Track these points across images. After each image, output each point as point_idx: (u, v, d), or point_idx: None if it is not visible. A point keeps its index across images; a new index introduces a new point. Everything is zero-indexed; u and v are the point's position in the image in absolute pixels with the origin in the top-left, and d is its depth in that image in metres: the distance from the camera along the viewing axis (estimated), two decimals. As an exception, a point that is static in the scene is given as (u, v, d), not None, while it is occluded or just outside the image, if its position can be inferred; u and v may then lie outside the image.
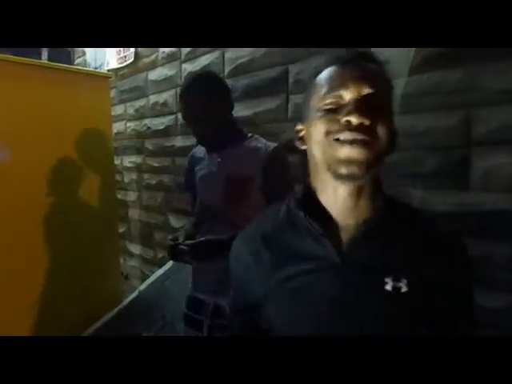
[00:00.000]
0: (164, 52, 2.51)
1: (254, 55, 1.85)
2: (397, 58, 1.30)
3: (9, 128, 1.98)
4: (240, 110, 1.95)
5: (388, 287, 0.61)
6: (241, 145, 1.30)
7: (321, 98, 0.63)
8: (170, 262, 2.41)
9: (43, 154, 2.11)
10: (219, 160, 1.31)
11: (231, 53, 1.99)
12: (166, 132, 2.57)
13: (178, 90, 2.39)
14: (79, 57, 3.68)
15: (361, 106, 0.58)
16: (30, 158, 2.05)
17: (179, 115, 2.43)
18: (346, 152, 0.58)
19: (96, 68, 3.22)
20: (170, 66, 2.47)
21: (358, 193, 0.64)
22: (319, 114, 0.63)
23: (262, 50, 1.80)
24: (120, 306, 2.38)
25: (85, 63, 3.46)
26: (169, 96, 2.51)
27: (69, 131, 2.24)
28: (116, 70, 3.00)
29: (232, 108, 1.34)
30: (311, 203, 0.67)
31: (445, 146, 1.22)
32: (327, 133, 0.60)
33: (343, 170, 0.59)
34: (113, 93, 2.98)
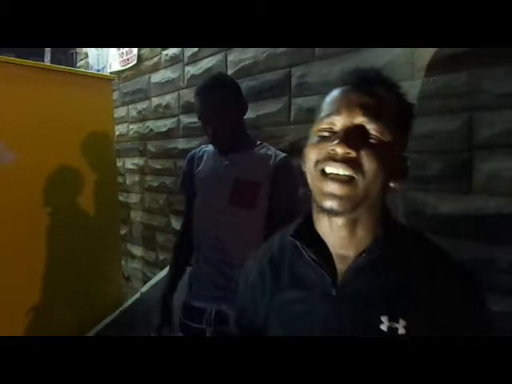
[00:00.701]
0: (167, 55, 2.52)
1: (256, 58, 1.85)
2: (400, 62, 1.31)
3: (11, 130, 1.98)
4: (242, 113, 1.96)
5: (383, 327, 0.56)
6: (250, 150, 1.30)
7: (317, 122, 0.60)
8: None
9: (45, 156, 2.11)
10: (227, 163, 1.30)
11: (234, 55, 1.99)
12: (168, 134, 2.58)
13: (181, 92, 2.41)
14: (82, 59, 3.70)
15: (349, 136, 0.54)
16: (32, 161, 2.05)
17: (182, 117, 2.44)
18: (329, 187, 0.55)
19: (98, 70, 3.24)
20: (173, 69, 2.48)
21: (353, 224, 0.60)
22: (314, 139, 0.60)
23: (265, 52, 1.80)
24: (121, 308, 2.38)
25: (87, 66, 3.47)
26: (171, 98, 2.52)
27: (71, 133, 2.24)
28: (119, 73, 3.01)
29: (245, 112, 1.34)
30: (307, 231, 0.64)
31: (448, 149, 1.22)
32: (316, 162, 0.57)
33: (325, 204, 0.56)
34: (115, 95, 2.99)
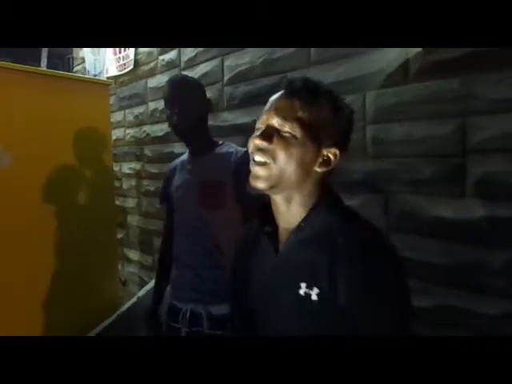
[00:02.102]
0: (163, 60, 2.53)
1: (252, 63, 1.87)
2: (394, 67, 1.32)
3: (8, 134, 1.98)
4: (239, 117, 1.97)
5: (301, 292, 0.69)
6: (212, 151, 1.34)
7: (259, 120, 0.75)
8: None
9: (42, 161, 2.11)
10: (189, 167, 1.36)
11: (230, 60, 2.00)
12: (164, 139, 2.58)
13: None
14: (78, 64, 3.70)
15: (266, 131, 0.70)
16: (28, 165, 2.05)
17: (178, 122, 2.44)
18: (253, 170, 0.72)
19: (95, 75, 3.24)
20: (170, 74, 2.48)
21: (287, 201, 0.74)
22: (254, 134, 0.74)
23: (261, 58, 1.82)
24: (118, 312, 2.38)
25: (84, 70, 3.48)
26: (168, 103, 2.52)
27: (68, 138, 2.24)
28: (115, 78, 3.02)
29: (208, 110, 1.39)
30: (264, 212, 0.80)
31: (441, 153, 1.23)
32: (250, 153, 0.73)
33: (252, 184, 0.72)
34: (112, 100, 2.99)
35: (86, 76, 3.21)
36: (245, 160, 1.25)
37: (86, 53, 3.43)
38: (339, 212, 0.74)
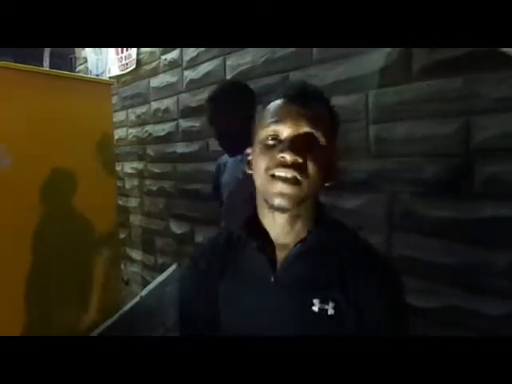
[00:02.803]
0: (166, 59, 2.53)
1: (254, 62, 1.87)
2: (396, 66, 1.32)
3: (10, 135, 1.99)
4: (241, 117, 1.96)
5: (315, 308, 0.64)
6: None
7: (263, 130, 0.67)
8: (171, 268, 2.42)
9: (44, 161, 2.12)
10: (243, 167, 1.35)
11: (232, 60, 2.00)
12: (167, 138, 2.59)
13: (180, 96, 2.42)
14: (81, 64, 3.71)
15: (296, 144, 0.62)
16: (31, 165, 2.05)
17: (180, 121, 2.45)
18: (278, 187, 0.63)
19: (98, 75, 3.25)
20: (172, 73, 2.49)
21: (294, 220, 0.68)
22: (260, 146, 0.67)
23: (263, 57, 1.82)
24: (121, 312, 2.38)
25: (86, 70, 3.48)
26: (170, 102, 2.53)
27: (70, 138, 2.25)
28: (118, 77, 3.02)
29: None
30: (252, 225, 0.72)
31: (444, 153, 1.23)
32: (266, 168, 0.64)
33: (275, 202, 0.63)
34: (114, 99, 2.99)
35: (89, 76, 3.21)
36: None
37: (89, 53, 3.43)
38: (332, 223, 0.73)
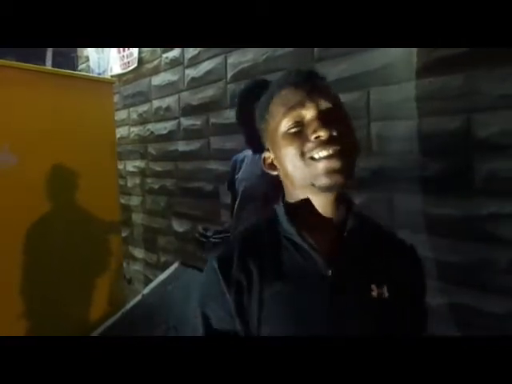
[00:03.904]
0: (167, 57, 2.53)
1: (255, 60, 1.86)
2: (398, 63, 1.31)
3: (13, 133, 1.99)
4: (242, 115, 1.96)
5: (374, 293, 0.64)
6: None
7: (281, 123, 0.65)
8: (173, 267, 2.42)
9: (47, 159, 2.13)
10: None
11: (233, 58, 2.00)
12: (168, 137, 2.59)
13: (181, 94, 2.42)
14: (83, 63, 3.72)
15: (324, 119, 0.61)
16: (33, 163, 2.06)
17: (182, 120, 2.45)
18: (325, 166, 0.60)
19: (99, 74, 3.25)
20: (173, 72, 2.49)
21: (336, 201, 0.66)
22: (284, 138, 0.64)
23: (264, 55, 1.81)
24: (123, 310, 2.39)
25: (88, 69, 3.49)
26: (172, 101, 2.53)
27: (72, 136, 2.25)
28: (119, 76, 3.02)
29: None
30: (300, 219, 0.67)
31: (447, 150, 1.22)
32: (302, 154, 0.62)
33: (326, 182, 0.61)
34: (116, 98, 3.00)
35: (91, 74, 3.21)
36: None
37: (90, 51, 3.44)
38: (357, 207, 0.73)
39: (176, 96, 2.48)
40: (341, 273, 0.64)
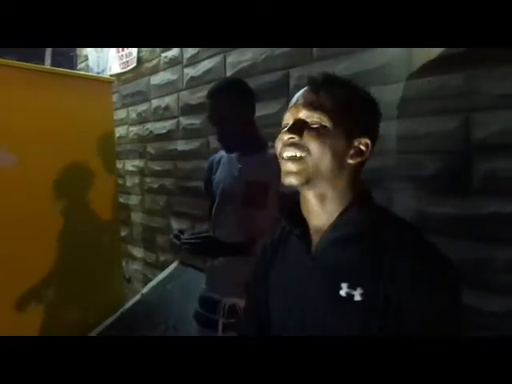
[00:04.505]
0: (166, 57, 2.53)
1: (255, 60, 1.86)
2: (397, 63, 1.31)
3: (12, 133, 1.99)
4: (241, 114, 1.96)
5: (342, 293, 0.66)
6: (262, 153, 1.33)
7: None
8: (172, 266, 2.42)
9: (45, 159, 2.12)
10: (240, 166, 1.35)
11: (232, 57, 2.00)
12: (167, 136, 2.58)
13: (180, 94, 2.42)
14: (82, 62, 3.71)
15: (294, 125, 0.70)
16: (32, 163, 2.06)
17: (181, 119, 2.45)
18: (285, 166, 0.71)
19: (98, 73, 3.24)
20: (172, 71, 2.49)
21: (321, 198, 0.72)
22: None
23: (263, 54, 1.81)
24: (122, 310, 2.39)
25: (87, 68, 3.48)
26: (171, 100, 2.53)
27: (71, 136, 2.25)
28: (118, 75, 3.02)
29: (251, 115, 1.38)
30: (293, 213, 0.77)
31: (446, 149, 1.22)
32: (280, 151, 0.72)
33: (285, 181, 0.71)
34: (115, 97, 2.99)
35: (90, 73, 3.21)
36: None
37: (89, 50, 3.43)
38: (375, 209, 0.74)
39: (175, 95, 2.48)
40: (318, 265, 0.71)
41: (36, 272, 2.11)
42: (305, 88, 0.74)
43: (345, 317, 0.65)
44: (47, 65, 3.68)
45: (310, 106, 0.69)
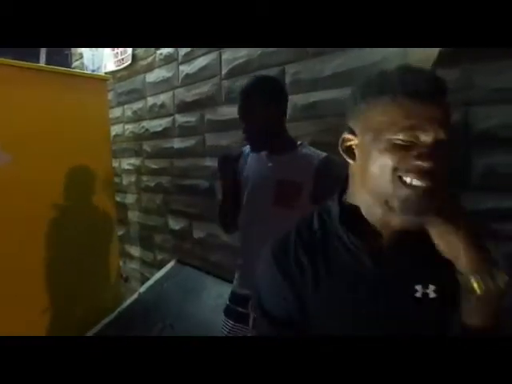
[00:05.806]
0: (161, 54, 2.51)
1: (250, 56, 1.85)
2: (393, 58, 1.31)
3: (7, 131, 1.98)
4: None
5: (418, 294, 0.63)
6: (292, 151, 1.33)
7: (392, 128, 0.60)
8: (170, 265, 2.42)
9: (41, 157, 2.11)
10: (270, 165, 1.34)
11: (228, 54, 1.98)
12: (164, 134, 2.57)
13: (176, 91, 2.41)
14: (77, 60, 3.69)
15: (434, 152, 0.57)
16: (27, 162, 2.05)
17: (177, 117, 2.44)
18: (408, 194, 0.58)
19: (93, 71, 3.23)
20: (168, 68, 2.47)
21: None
22: (388, 142, 0.60)
23: (259, 50, 1.80)
24: (120, 309, 2.38)
25: (82, 66, 3.46)
26: (166, 98, 2.51)
27: (67, 134, 2.24)
28: (114, 73, 3.00)
29: (282, 114, 1.36)
30: (354, 220, 0.67)
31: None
32: (394, 168, 0.59)
33: (401, 209, 0.60)
34: (111, 95, 2.98)
35: (85, 71, 3.19)
36: (326, 165, 1.25)
37: (84, 49, 3.41)
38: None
39: (170, 93, 2.47)
40: (385, 271, 0.64)
41: (33, 272, 2.10)
42: (421, 97, 0.59)
43: (421, 317, 0.63)
44: (42, 63, 3.66)
45: (447, 127, 0.58)
